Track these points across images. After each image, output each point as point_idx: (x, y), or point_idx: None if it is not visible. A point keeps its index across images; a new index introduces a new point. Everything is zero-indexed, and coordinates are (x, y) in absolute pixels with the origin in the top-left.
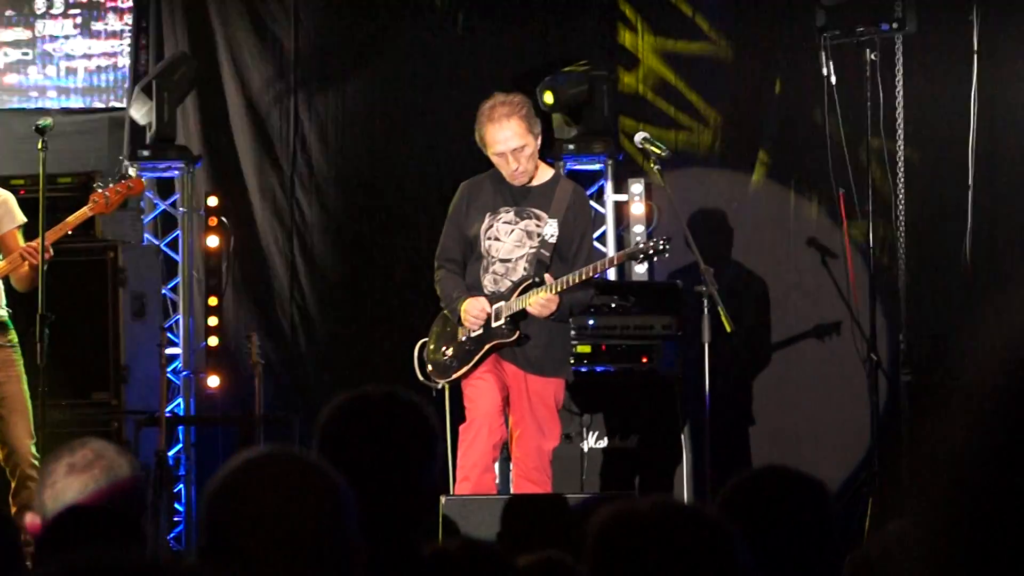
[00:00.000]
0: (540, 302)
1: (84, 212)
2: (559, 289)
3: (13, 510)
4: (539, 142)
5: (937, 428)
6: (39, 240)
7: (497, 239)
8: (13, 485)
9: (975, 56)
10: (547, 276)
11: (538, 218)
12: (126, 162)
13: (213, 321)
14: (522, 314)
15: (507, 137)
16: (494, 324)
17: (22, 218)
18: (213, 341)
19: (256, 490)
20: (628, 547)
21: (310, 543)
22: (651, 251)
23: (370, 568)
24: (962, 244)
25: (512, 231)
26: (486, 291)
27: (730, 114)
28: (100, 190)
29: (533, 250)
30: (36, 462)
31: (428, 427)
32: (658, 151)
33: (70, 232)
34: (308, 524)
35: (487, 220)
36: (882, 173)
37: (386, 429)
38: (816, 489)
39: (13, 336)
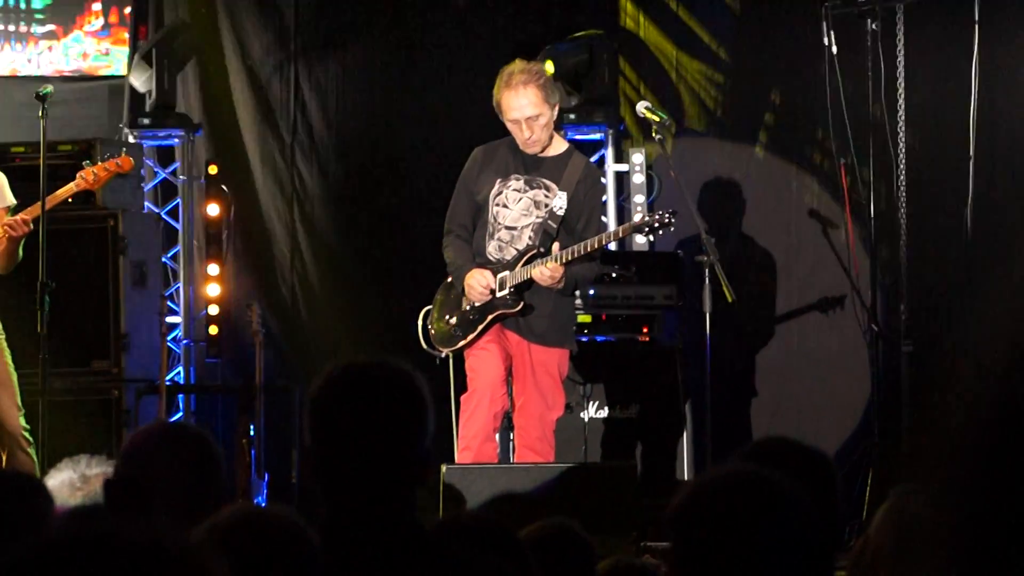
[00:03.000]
0: (546, 272)
1: (71, 188)
2: (565, 259)
3: None
4: (555, 113)
5: (945, 407)
6: (22, 214)
7: (505, 206)
8: (4, 458)
9: (976, 25)
10: (555, 246)
11: (548, 189)
12: (126, 130)
13: (213, 290)
14: (527, 284)
15: (523, 105)
16: (499, 294)
17: (11, 200)
18: (213, 310)
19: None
20: (705, 524)
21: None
22: (657, 224)
23: (366, 538)
24: (963, 214)
25: (520, 199)
26: (490, 258)
27: (732, 85)
28: (88, 166)
29: (540, 220)
30: (27, 434)
31: (419, 396)
32: (659, 120)
33: (69, 200)
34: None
35: (497, 186)
36: (883, 143)
37: (376, 398)
38: (818, 459)
39: None
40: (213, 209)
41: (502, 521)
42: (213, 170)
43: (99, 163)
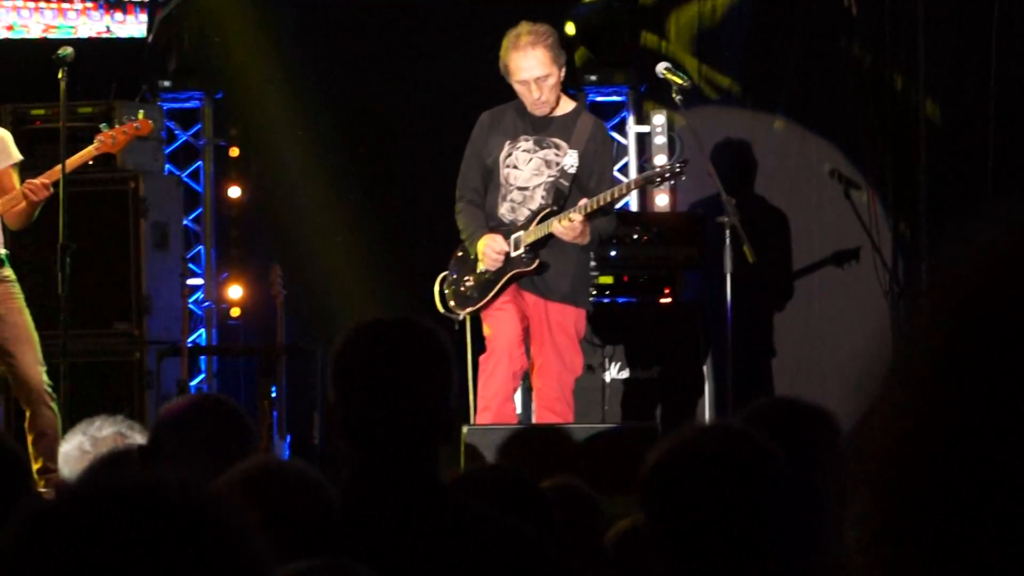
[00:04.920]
0: (567, 224)
1: (89, 151)
2: (588, 211)
3: (30, 438)
4: (563, 73)
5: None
6: (42, 178)
7: (515, 167)
8: (28, 414)
9: None
10: (582, 200)
11: (558, 148)
12: (147, 92)
13: (235, 252)
14: (541, 243)
15: (531, 66)
16: (513, 254)
17: (18, 155)
18: (235, 272)
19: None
20: (678, 480)
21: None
22: (667, 173)
23: (389, 495)
24: (985, 173)
25: (531, 160)
26: (503, 220)
27: (753, 48)
28: (107, 129)
29: (551, 179)
30: (49, 389)
31: (443, 352)
32: (680, 81)
33: (90, 163)
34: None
35: (506, 148)
36: (904, 103)
37: (401, 355)
38: (820, 418)
39: (10, 272)
40: (234, 191)
41: (522, 474)
42: (235, 132)
43: (118, 126)
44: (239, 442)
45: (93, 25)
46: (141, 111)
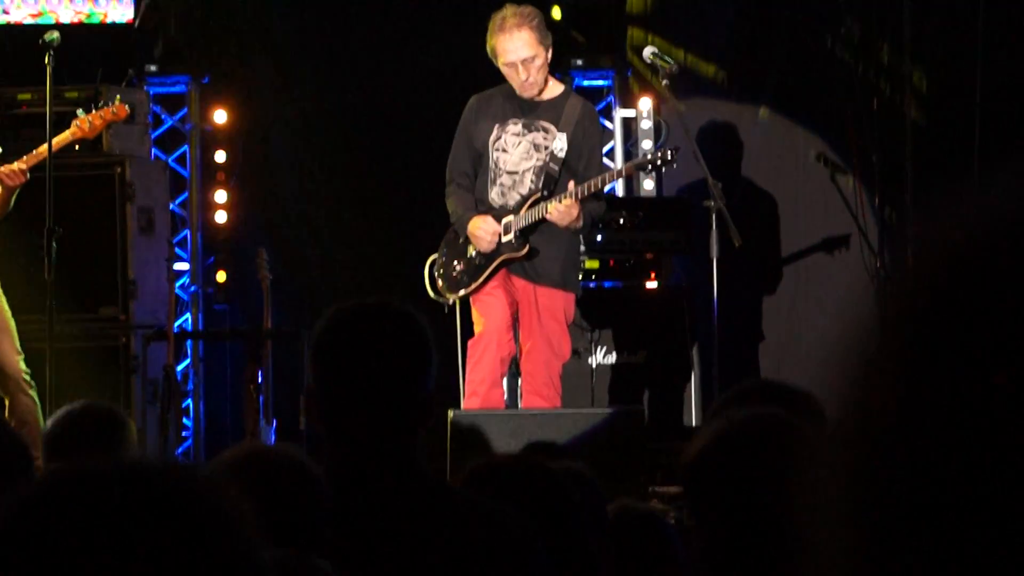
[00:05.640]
0: (560, 208)
1: (65, 136)
2: (581, 195)
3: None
4: (549, 54)
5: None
6: (18, 163)
7: (504, 151)
8: (8, 402)
9: None
10: (571, 184)
11: (546, 131)
12: (133, 76)
13: (221, 236)
14: (532, 228)
15: (517, 47)
16: (504, 238)
17: None
18: (221, 256)
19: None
20: (722, 470)
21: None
22: (659, 161)
23: (370, 480)
24: (971, 159)
25: (520, 143)
26: (493, 204)
27: (739, 32)
28: (83, 115)
29: (541, 163)
30: (27, 377)
31: (422, 336)
32: (667, 65)
33: (76, 148)
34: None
35: (495, 132)
36: (890, 89)
37: (379, 338)
38: (804, 400)
39: None
40: (220, 156)
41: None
42: (221, 116)
43: (94, 111)
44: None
45: (76, 9)
46: (118, 95)
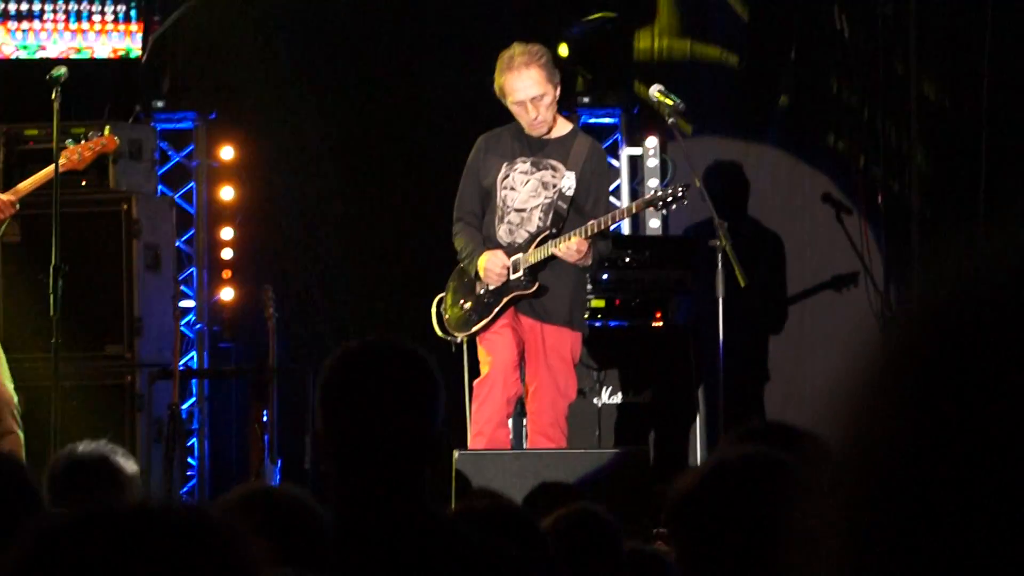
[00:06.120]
0: (571, 246)
1: (53, 168)
2: (591, 233)
3: None
4: (558, 92)
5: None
6: (8, 195)
7: (512, 189)
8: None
9: (989, 10)
10: (590, 222)
11: (554, 169)
12: (140, 112)
13: (227, 274)
14: (540, 266)
15: (527, 85)
16: (513, 276)
17: None
18: (227, 294)
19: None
20: (711, 509)
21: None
22: (670, 198)
23: (376, 519)
24: (977, 198)
25: (528, 181)
26: (501, 242)
27: (746, 71)
28: (72, 146)
29: (548, 200)
30: (16, 412)
31: (430, 375)
32: (672, 103)
33: (82, 184)
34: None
35: (503, 170)
36: (896, 130)
37: (387, 378)
38: (809, 442)
39: None
40: (227, 192)
41: (517, 506)
42: (228, 153)
43: (83, 142)
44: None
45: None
46: (107, 127)
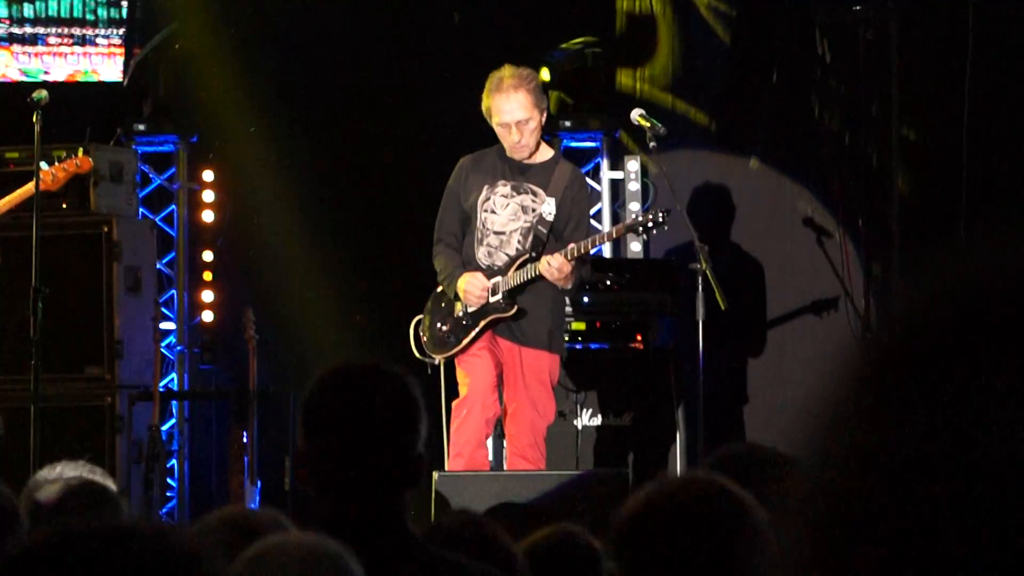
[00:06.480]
0: (554, 265)
1: (28, 189)
2: (574, 255)
3: None
4: (544, 118)
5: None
6: None
7: (493, 211)
8: None
9: (970, 34)
10: (571, 244)
11: (535, 194)
12: (121, 135)
13: (208, 296)
14: (519, 289)
15: (513, 108)
16: (492, 299)
17: None
18: (208, 316)
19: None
20: (654, 531)
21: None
22: (650, 223)
23: (358, 541)
24: (958, 223)
25: (508, 204)
26: (480, 264)
27: (727, 94)
28: (47, 167)
29: (528, 224)
30: None
31: (412, 398)
32: (653, 126)
33: (64, 206)
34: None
35: (484, 192)
36: (877, 154)
37: (369, 400)
38: (788, 465)
39: None
40: (208, 215)
41: (497, 528)
42: (209, 176)
43: (57, 163)
44: None
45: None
46: (80, 148)
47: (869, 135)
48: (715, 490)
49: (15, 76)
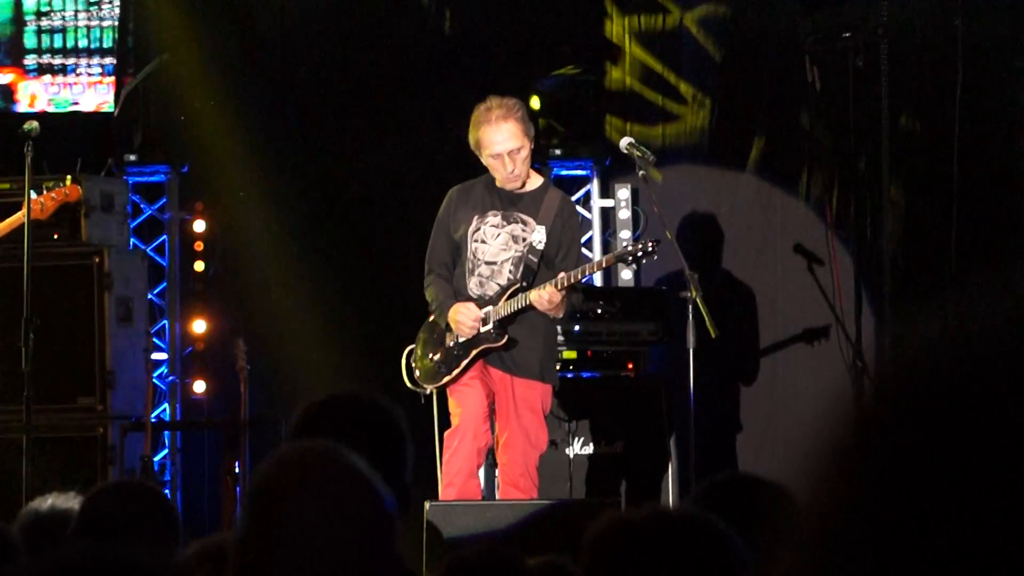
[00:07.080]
0: (544, 295)
1: (18, 218)
2: (564, 285)
3: None
4: (533, 146)
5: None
6: None
7: (483, 241)
8: None
9: (959, 61)
10: (561, 274)
11: (525, 223)
12: (112, 165)
13: (199, 326)
14: (510, 318)
15: (504, 139)
16: (483, 329)
17: None
18: (199, 346)
19: (298, 489)
20: (623, 556)
21: (345, 551)
22: (640, 253)
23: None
24: (948, 248)
25: (499, 234)
26: (472, 294)
27: (717, 122)
28: (35, 196)
29: (519, 254)
30: None
31: (397, 428)
32: (642, 155)
33: (55, 237)
34: (376, 461)
35: (474, 223)
36: (868, 178)
37: (354, 432)
38: (779, 495)
39: None
40: (199, 245)
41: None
42: (200, 206)
43: (46, 192)
44: (165, 530)
45: (58, 96)
46: (68, 176)
47: (861, 160)
48: (691, 523)
49: (48, 107)
